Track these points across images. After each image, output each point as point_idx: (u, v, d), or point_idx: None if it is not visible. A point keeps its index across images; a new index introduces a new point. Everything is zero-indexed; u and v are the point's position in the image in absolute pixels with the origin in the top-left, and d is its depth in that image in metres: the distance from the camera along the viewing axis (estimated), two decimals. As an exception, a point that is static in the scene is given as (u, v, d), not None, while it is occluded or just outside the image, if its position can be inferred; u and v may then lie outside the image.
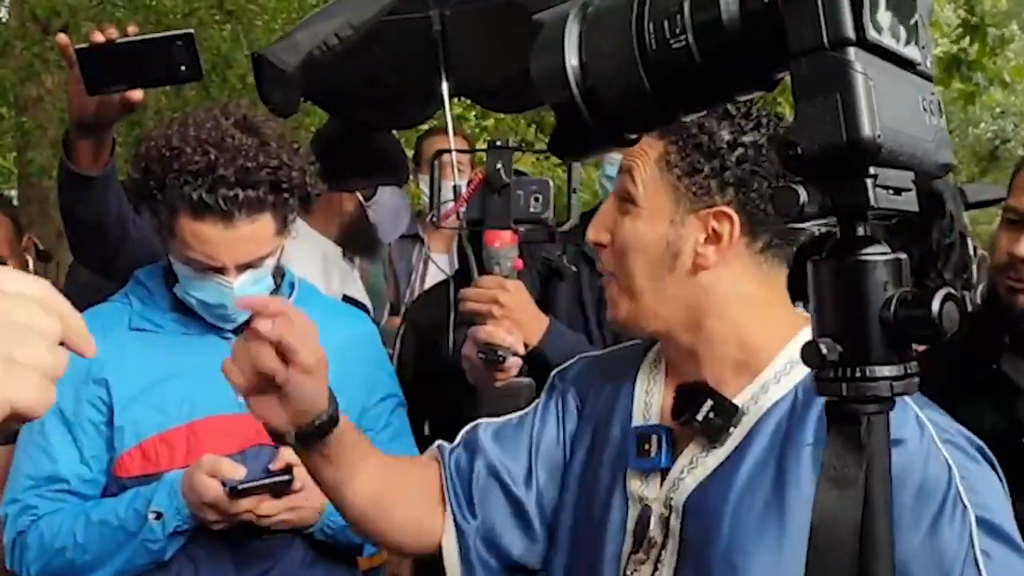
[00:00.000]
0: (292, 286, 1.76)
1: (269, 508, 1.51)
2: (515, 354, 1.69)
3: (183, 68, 1.64)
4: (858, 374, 0.59)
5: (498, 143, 1.71)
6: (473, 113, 9.08)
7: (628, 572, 1.14)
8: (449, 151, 1.93)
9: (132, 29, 1.65)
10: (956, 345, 1.84)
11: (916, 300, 0.59)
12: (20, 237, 2.32)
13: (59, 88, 7.40)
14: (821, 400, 1.03)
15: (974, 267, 2.31)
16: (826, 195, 0.60)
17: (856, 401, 0.60)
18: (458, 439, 1.31)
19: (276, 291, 1.70)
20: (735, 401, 1.10)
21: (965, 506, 0.96)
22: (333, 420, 1.10)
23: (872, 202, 0.59)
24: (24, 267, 2.30)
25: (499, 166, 1.69)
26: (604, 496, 1.19)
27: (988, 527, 0.96)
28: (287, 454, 1.56)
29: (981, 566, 0.94)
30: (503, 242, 1.73)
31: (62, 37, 1.67)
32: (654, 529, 1.13)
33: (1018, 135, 16.04)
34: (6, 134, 9.43)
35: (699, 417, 1.09)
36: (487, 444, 1.27)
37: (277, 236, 1.60)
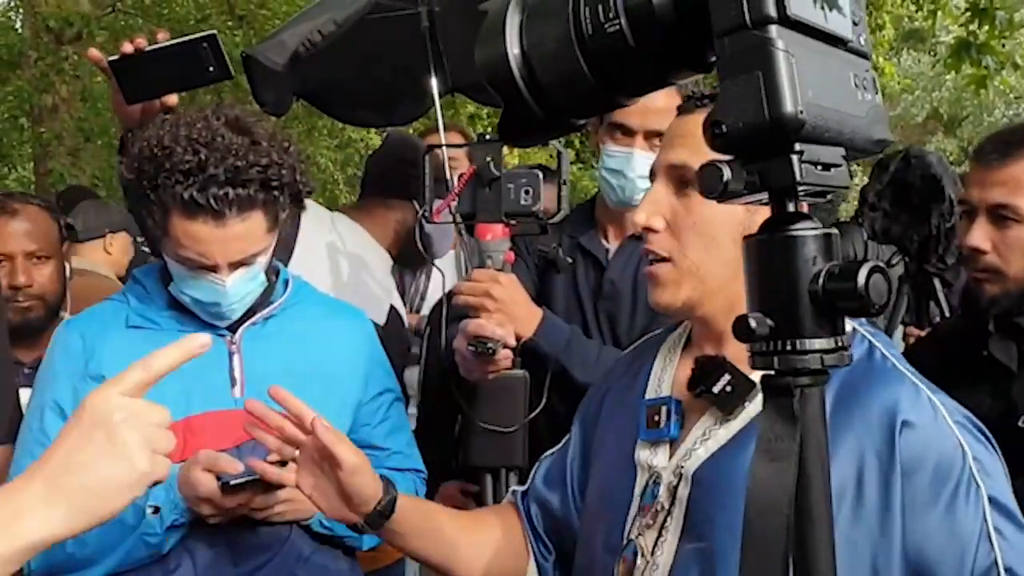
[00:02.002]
0: (286, 284, 1.78)
1: (263, 501, 1.53)
2: (505, 346, 1.70)
3: (211, 68, 1.69)
4: (789, 347, 0.60)
5: (487, 136, 1.72)
6: (486, 112, 9.08)
7: (634, 535, 1.17)
8: (440, 146, 1.94)
9: (162, 35, 1.71)
10: (949, 333, 1.84)
11: (844, 273, 0.59)
12: (63, 241, 2.40)
13: (74, 97, 7.49)
14: (837, 380, 1.05)
15: None
16: (754, 173, 0.61)
17: (788, 374, 0.61)
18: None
19: (270, 289, 1.73)
20: (752, 378, 1.11)
21: (978, 485, 1.00)
22: (392, 503, 1.24)
23: (799, 178, 0.60)
24: (64, 269, 2.38)
25: (488, 159, 1.70)
26: (616, 464, 1.23)
27: (998, 506, 1.00)
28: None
29: (994, 542, 0.98)
30: (495, 235, 1.74)
31: (94, 52, 1.73)
32: (662, 496, 1.15)
33: (1034, 120, 15.83)
34: (24, 144, 9.55)
35: (715, 390, 1.11)
36: (538, 482, 1.38)
37: (269, 234, 1.61)
